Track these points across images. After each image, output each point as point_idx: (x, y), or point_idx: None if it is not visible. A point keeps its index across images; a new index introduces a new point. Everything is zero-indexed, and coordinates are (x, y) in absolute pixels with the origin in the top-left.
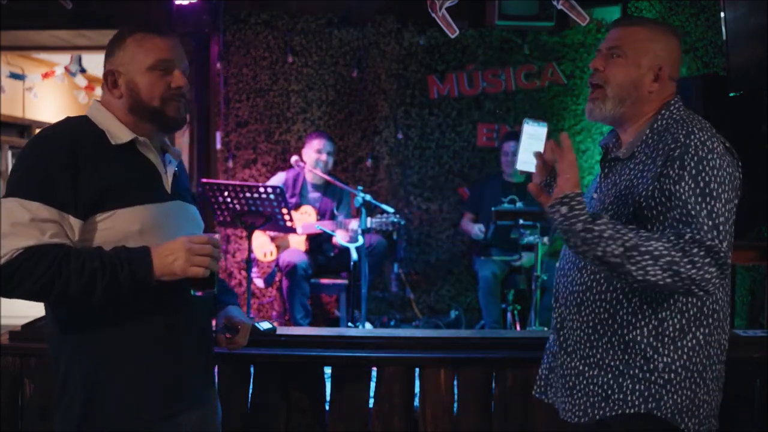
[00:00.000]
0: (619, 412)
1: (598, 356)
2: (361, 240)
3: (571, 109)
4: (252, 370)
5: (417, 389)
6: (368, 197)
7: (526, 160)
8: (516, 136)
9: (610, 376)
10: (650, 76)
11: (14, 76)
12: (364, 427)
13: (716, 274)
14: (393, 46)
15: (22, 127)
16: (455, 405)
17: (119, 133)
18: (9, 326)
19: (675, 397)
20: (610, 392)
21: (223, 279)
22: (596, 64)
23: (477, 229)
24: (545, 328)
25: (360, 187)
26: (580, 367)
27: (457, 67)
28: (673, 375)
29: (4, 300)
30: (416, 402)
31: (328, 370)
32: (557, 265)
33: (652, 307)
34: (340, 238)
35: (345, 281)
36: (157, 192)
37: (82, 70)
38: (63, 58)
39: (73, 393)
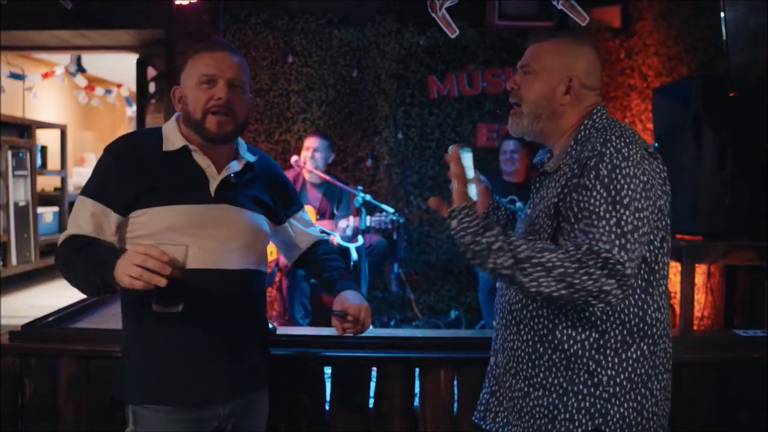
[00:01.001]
0: None
1: (542, 375)
2: (360, 240)
3: None
4: None
5: (417, 389)
6: (368, 197)
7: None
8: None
9: (555, 396)
10: (561, 88)
11: (14, 76)
12: (364, 427)
13: (615, 285)
14: (393, 46)
15: (22, 127)
16: (455, 405)
17: (174, 141)
18: (9, 326)
19: (621, 410)
20: (556, 413)
21: (341, 265)
22: (511, 83)
23: None
24: None
25: (360, 187)
26: (525, 389)
27: (457, 67)
28: (618, 388)
29: (4, 300)
30: (416, 402)
31: (328, 370)
32: (497, 284)
33: (591, 320)
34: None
35: None
36: (195, 194)
37: (82, 70)
38: (63, 58)
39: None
